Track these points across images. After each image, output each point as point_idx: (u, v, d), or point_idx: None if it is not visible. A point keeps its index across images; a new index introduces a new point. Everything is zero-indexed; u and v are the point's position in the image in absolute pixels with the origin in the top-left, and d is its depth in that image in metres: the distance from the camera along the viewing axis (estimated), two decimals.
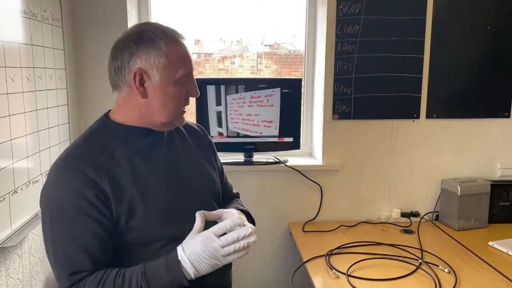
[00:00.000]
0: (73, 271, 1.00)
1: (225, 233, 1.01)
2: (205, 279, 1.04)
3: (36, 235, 1.71)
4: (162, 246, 1.09)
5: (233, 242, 0.99)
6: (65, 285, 1.01)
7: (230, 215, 1.06)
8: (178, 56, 1.08)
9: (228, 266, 1.22)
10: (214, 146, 1.38)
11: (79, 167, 1.03)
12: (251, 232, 1.00)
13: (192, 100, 2.24)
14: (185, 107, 1.15)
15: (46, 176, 1.09)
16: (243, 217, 1.08)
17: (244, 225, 1.02)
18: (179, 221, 1.11)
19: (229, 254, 0.99)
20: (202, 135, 1.35)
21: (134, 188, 1.06)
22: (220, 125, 2.23)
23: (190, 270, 0.99)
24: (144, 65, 1.06)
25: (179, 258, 1.00)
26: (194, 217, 1.05)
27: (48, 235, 1.03)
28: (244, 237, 1.00)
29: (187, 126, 1.31)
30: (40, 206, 1.06)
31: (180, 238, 1.05)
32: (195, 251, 0.99)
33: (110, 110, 1.18)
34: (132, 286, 0.99)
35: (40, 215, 1.10)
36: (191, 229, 1.04)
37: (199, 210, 1.07)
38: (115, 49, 1.09)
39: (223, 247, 0.99)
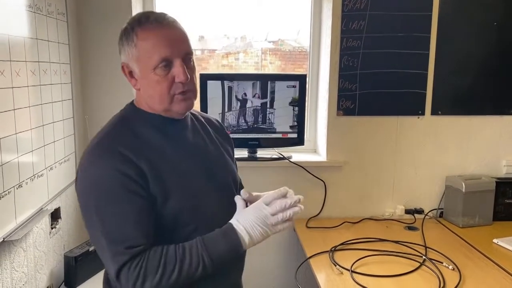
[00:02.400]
0: (129, 244, 1.00)
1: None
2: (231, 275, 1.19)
3: (40, 229, 1.71)
4: (192, 232, 1.10)
5: (281, 210, 1.07)
6: (123, 260, 1.00)
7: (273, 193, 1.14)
8: (150, 43, 1.06)
9: (241, 268, 1.33)
10: (232, 141, 1.39)
11: (116, 148, 1.05)
12: (296, 201, 1.09)
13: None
14: (180, 92, 1.10)
15: (78, 165, 1.10)
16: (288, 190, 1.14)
17: (287, 197, 1.10)
18: (208, 206, 1.15)
19: (277, 223, 1.07)
20: (220, 128, 1.36)
21: (169, 172, 1.09)
22: (223, 120, 2.23)
23: (246, 237, 1.06)
24: (125, 59, 1.11)
25: (235, 226, 1.07)
26: (222, 203, 1.15)
27: (96, 219, 1.03)
28: (290, 206, 1.08)
29: (207, 119, 1.33)
30: (80, 194, 1.07)
31: (208, 224, 1.10)
32: (248, 219, 1.07)
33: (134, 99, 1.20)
34: (193, 256, 1.03)
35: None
36: (219, 215, 1.12)
37: (225, 196, 1.17)
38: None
39: (272, 215, 1.07)
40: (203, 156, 1.20)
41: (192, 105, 1.16)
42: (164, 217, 1.07)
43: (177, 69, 1.08)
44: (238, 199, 1.14)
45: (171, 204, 1.07)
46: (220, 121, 1.39)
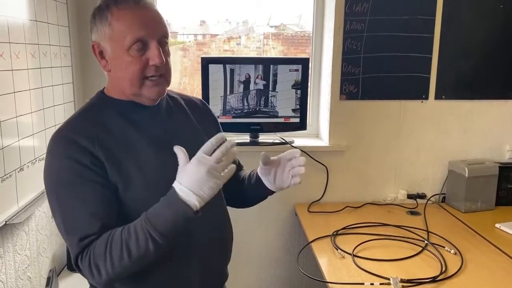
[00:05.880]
0: (81, 236, 0.99)
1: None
2: (205, 231, 1.11)
3: (43, 213, 1.72)
4: None
5: (224, 155, 0.97)
6: (76, 252, 1.01)
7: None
8: (125, 23, 1.03)
9: (226, 218, 1.26)
10: (218, 121, 1.35)
11: (73, 137, 1.04)
12: (235, 143, 1.00)
13: (198, 79, 2.22)
14: (153, 76, 1.07)
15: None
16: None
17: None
18: None
19: (223, 168, 0.98)
20: (202, 108, 1.32)
21: (129, 160, 1.06)
22: (225, 104, 2.21)
23: (193, 198, 0.95)
24: (96, 37, 1.08)
25: (177, 190, 0.96)
26: None
27: (55, 207, 1.04)
28: (232, 146, 0.99)
29: (187, 99, 1.29)
30: (44, 180, 1.07)
31: None
32: (193, 177, 0.96)
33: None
34: (139, 234, 0.97)
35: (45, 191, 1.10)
36: None
37: None
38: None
39: (217, 162, 0.96)
40: (175, 143, 1.08)
41: (164, 91, 1.12)
42: (127, 206, 1.06)
43: (153, 51, 1.04)
44: (178, 151, 1.00)
45: (131, 193, 1.05)
46: (205, 102, 1.35)
